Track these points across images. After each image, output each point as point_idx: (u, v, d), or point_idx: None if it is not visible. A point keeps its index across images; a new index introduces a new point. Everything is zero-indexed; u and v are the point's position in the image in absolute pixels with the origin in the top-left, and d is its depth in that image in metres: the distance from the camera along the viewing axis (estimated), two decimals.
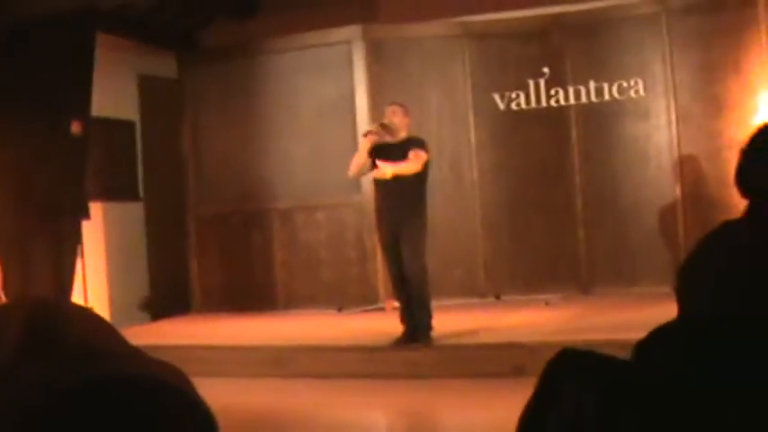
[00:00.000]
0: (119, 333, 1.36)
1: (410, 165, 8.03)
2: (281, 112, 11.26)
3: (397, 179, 8.06)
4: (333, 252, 11.07)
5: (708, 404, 1.65)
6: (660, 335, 1.92)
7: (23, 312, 1.31)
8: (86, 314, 1.39)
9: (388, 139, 8.33)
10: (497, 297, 10.71)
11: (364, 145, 8.31)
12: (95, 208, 10.65)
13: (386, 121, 8.39)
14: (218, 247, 11.62)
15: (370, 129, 8.62)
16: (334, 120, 10.95)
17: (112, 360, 1.27)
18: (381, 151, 8.26)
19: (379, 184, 8.29)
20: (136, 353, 1.31)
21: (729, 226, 2.21)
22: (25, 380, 1.20)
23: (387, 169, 8.03)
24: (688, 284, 2.03)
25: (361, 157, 8.33)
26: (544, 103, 10.76)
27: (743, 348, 1.75)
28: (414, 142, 8.25)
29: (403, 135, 8.30)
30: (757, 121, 9.00)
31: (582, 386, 1.77)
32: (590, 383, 1.76)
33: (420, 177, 8.18)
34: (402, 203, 8.09)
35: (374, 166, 8.26)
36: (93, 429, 1.14)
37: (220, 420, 1.21)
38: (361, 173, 8.69)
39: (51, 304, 1.37)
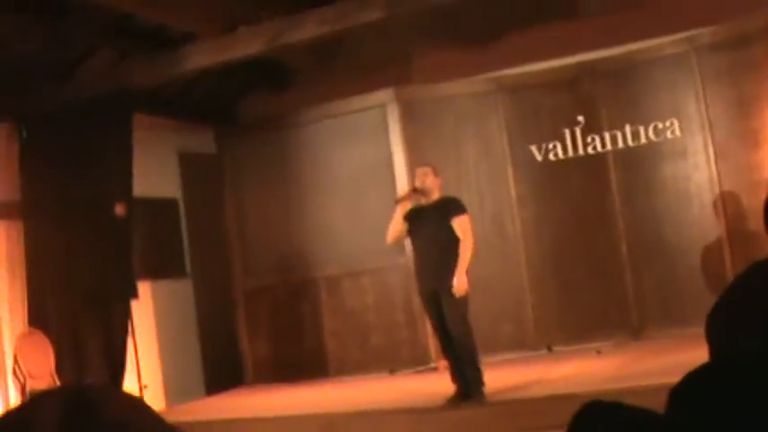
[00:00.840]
0: (153, 411, 1.40)
1: (466, 252, 8.06)
2: (320, 180, 11.33)
3: (435, 238, 8.11)
4: (381, 316, 11.07)
5: None
6: (692, 379, 1.89)
7: (61, 396, 1.36)
8: (121, 396, 1.44)
9: (422, 201, 8.34)
10: (549, 349, 10.62)
11: (398, 212, 8.34)
12: (143, 287, 10.72)
13: (417, 183, 8.40)
14: (266, 319, 11.63)
15: (403, 195, 8.66)
16: (373, 183, 10.99)
17: None
18: (417, 214, 8.29)
19: (418, 242, 8.32)
20: (160, 425, 1.34)
21: (758, 266, 2.21)
22: None
23: (463, 286, 8.04)
24: (716, 328, 2.02)
25: (396, 224, 8.33)
26: (581, 151, 10.74)
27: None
28: (450, 204, 8.27)
29: (436, 195, 8.28)
30: None
31: None
32: None
33: (456, 236, 8.19)
34: (441, 260, 8.06)
35: (409, 231, 8.32)
36: None
37: None
38: (398, 239, 8.69)
39: (87, 388, 1.41)
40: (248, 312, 11.71)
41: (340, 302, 11.26)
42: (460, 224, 8.14)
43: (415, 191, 8.42)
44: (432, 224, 8.16)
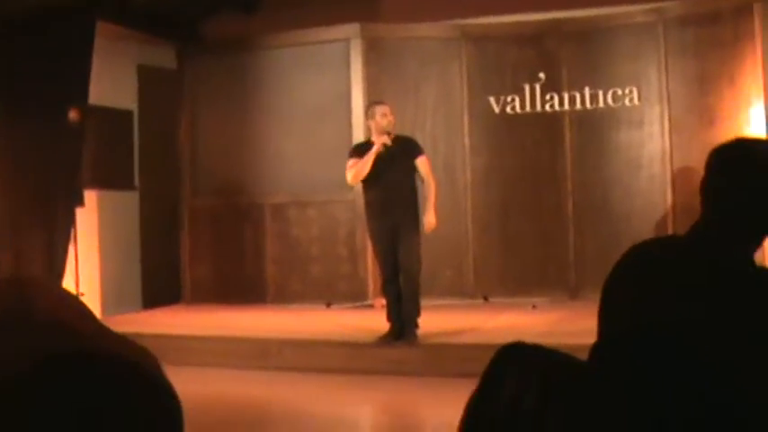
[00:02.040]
0: (91, 313, 1.38)
1: (434, 190, 8.30)
2: (278, 108, 11.25)
3: (398, 176, 8.13)
4: (323, 248, 11.08)
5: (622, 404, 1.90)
6: (608, 342, 2.11)
7: None
8: (57, 292, 1.41)
9: (386, 139, 8.30)
10: (485, 299, 10.72)
11: (371, 157, 8.22)
12: (90, 195, 10.68)
13: (383, 122, 8.31)
14: (210, 239, 11.61)
15: (384, 142, 8.37)
16: (330, 117, 10.95)
17: (80, 337, 1.28)
18: (379, 154, 8.25)
19: (374, 179, 8.27)
20: (106, 333, 1.32)
21: (646, 244, 2.47)
22: None
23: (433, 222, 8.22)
24: (607, 300, 2.32)
25: (367, 166, 8.24)
26: (539, 108, 10.78)
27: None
28: (411, 143, 8.33)
29: (391, 136, 8.28)
30: (750, 133, 9.05)
31: (523, 380, 1.85)
32: (532, 378, 1.85)
33: (415, 174, 8.24)
34: (402, 198, 8.15)
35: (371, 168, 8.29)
36: (55, 402, 1.15)
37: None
38: (359, 182, 8.65)
39: (20, 282, 1.38)
40: (192, 231, 11.68)
41: (284, 230, 11.25)
42: (423, 164, 8.27)
43: (387, 134, 8.29)
44: (394, 162, 8.16)
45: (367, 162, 8.19)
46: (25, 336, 1.27)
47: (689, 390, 2.00)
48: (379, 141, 8.17)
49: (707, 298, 2.21)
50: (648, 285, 2.30)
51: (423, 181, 8.29)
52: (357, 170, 8.25)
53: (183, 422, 1.25)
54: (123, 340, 1.32)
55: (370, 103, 8.90)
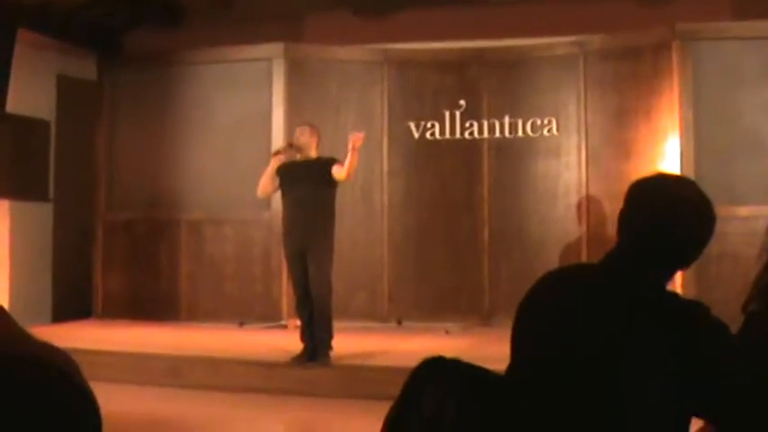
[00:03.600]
0: (6, 315, 1.36)
1: (351, 163, 8.04)
2: (197, 124, 11.22)
3: (307, 196, 8.13)
4: (238, 267, 11.03)
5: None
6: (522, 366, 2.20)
7: None
8: None
9: (297, 157, 8.38)
10: (399, 323, 10.75)
11: (272, 165, 8.33)
12: (2, 205, 10.61)
13: (294, 140, 8.42)
14: (123, 254, 11.50)
15: (278, 149, 8.67)
16: (249, 136, 10.91)
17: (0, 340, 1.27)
18: (290, 171, 8.34)
19: (289, 198, 8.32)
20: (22, 333, 1.31)
21: (560, 271, 2.67)
22: None
23: (342, 172, 8.09)
24: (519, 323, 2.51)
25: (268, 177, 8.35)
26: (458, 135, 10.86)
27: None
28: (325, 161, 8.30)
29: (312, 154, 8.35)
30: (664, 167, 9.19)
31: (443, 389, 1.90)
32: (452, 387, 1.90)
33: (331, 196, 8.27)
34: (312, 220, 8.14)
35: (281, 186, 8.31)
36: None
37: (112, 425, 1.21)
38: (268, 194, 8.76)
39: None
40: (106, 245, 11.57)
41: (199, 247, 11.20)
42: (336, 168, 8.19)
43: (290, 145, 8.46)
44: (305, 182, 8.21)
45: (266, 173, 8.34)
46: None
47: (598, 412, 2.07)
48: (278, 146, 8.33)
49: (620, 324, 2.26)
50: (563, 310, 2.36)
51: (341, 177, 8.20)
52: (261, 181, 8.39)
53: (102, 427, 1.25)
54: (44, 344, 1.31)
55: None
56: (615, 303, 2.34)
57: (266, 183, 8.39)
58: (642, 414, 2.14)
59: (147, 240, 11.40)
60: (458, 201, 10.89)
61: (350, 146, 8.05)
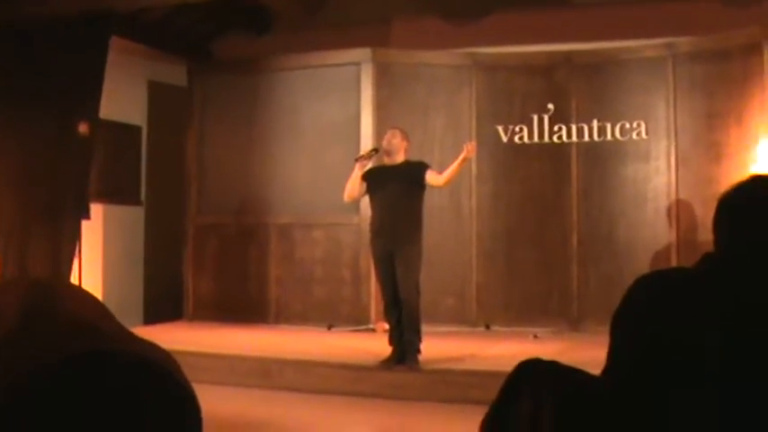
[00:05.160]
0: (110, 313, 1.41)
1: (455, 170, 8.17)
2: (286, 129, 11.30)
3: (396, 200, 8.15)
4: (327, 271, 11.10)
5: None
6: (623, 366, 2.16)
7: (21, 290, 1.36)
8: (80, 294, 1.44)
9: (385, 161, 8.39)
10: (487, 327, 10.72)
11: (356, 170, 8.35)
12: (96, 209, 10.74)
13: (384, 143, 8.44)
14: (214, 257, 11.64)
15: (362, 154, 8.70)
16: (338, 140, 10.97)
17: (101, 336, 1.31)
18: (378, 174, 8.36)
19: (378, 202, 8.35)
20: (125, 332, 1.35)
21: (657, 274, 2.55)
22: (18, 351, 1.25)
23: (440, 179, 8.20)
24: (617, 326, 2.43)
25: (353, 182, 8.35)
26: (547, 139, 10.80)
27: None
28: (415, 165, 8.31)
29: (401, 158, 8.33)
30: (755, 170, 9.05)
31: (542, 390, 1.90)
32: (551, 388, 1.90)
33: (419, 199, 8.26)
34: (401, 223, 8.14)
35: (369, 190, 8.33)
36: (78, 398, 1.18)
37: (205, 425, 1.25)
38: (354, 198, 8.74)
39: (47, 284, 1.42)
40: (196, 248, 11.70)
41: (288, 251, 11.28)
42: (432, 175, 8.23)
43: (375, 150, 8.52)
44: (394, 185, 8.20)
45: (351, 178, 8.34)
46: (51, 334, 1.30)
47: (701, 415, 2.04)
48: (363, 151, 8.35)
49: (724, 326, 2.23)
50: (665, 313, 2.33)
51: (439, 184, 8.32)
52: (347, 185, 8.39)
53: (201, 421, 1.28)
54: (144, 342, 1.35)
55: None
56: (721, 305, 2.32)
57: (352, 188, 8.40)
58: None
59: (237, 244, 11.52)
60: (546, 205, 10.84)
61: (462, 155, 8.11)
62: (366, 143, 10.58)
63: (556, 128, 10.78)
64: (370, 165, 8.46)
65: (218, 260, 11.62)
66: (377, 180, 8.30)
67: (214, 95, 11.74)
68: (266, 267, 11.37)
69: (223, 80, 11.70)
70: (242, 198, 11.51)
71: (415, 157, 8.56)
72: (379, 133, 10.27)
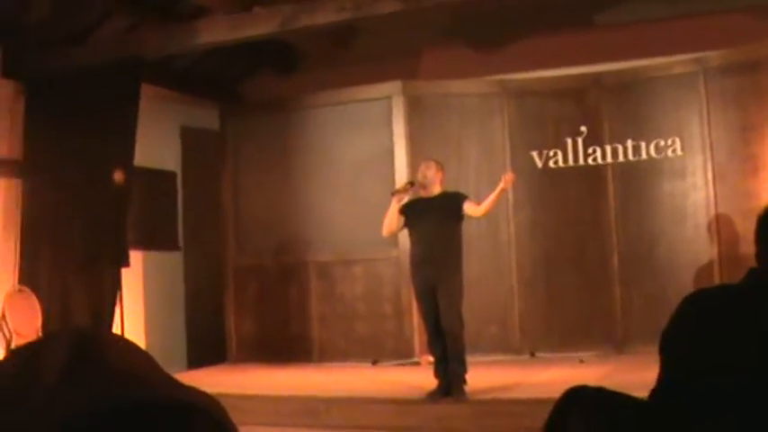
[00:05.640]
0: (155, 361, 1.42)
1: (494, 200, 8.23)
2: (320, 166, 11.34)
3: (435, 231, 8.15)
4: (369, 306, 11.10)
5: None
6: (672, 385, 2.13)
7: (68, 339, 1.37)
8: (125, 343, 1.45)
9: (422, 194, 8.39)
10: (532, 354, 10.68)
11: (393, 204, 8.36)
12: (135, 256, 10.75)
13: (419, 176, 8.45)
14: (254, 299, 11.64)
15: (398, 188, 8.70)
16: (372, 174, 10.98)
17: (149, 385, 1.32)
18: (416, 207, 8.35)
19: (417, 235, 8.35)
20: (172, 380, 1.36)
21: (703, 292, 2.49)
22: (68, 402, 1.25)
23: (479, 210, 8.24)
24: (666, 347, 2.38)
25: (392, 217, 8.36)
26: (582, 162, 10.79)
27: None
28: (452, 196, 8.32)
29: (437, 190, 8.34)
30: None
31: (590, 416, 1.88)
32: (598, 415, 1.89)
33: (458, 230, 8.25)
34: (441, 255, 8.12)
35: (407, 223, 8.34)
36: None
37: None
38: (393, 232, 8.74)
39: (93, 333, 1.42)
40: (237, 290, 11.72)
41: (329, 289, 11.29)
42: (470, 206, 8.25)
43: (411, 184, 8.50)
44: (432, 218, 8.20)
45: (389, 213, 8.34)
46: (97, 385, 1.30)
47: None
48: (399, 185, 8.34)
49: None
50: (714, 331, 2.31)
51: (478, 214, 8.36)
52: (385, 221, 8.38)
53: None
54: (193, 390, 1.35)
55: None
56: None
57: (390, 222, 8.40)
58: None
59: (277, 284, 11.53)
60: (584, 227, 10.82)
61: (500, 186, 8.17)
62: (401, 176, 10.59)
63: (590, 150, 10.77)
64: (406, 198, 8.45)
65: (259, 301, 11.63)
66: (415, 213, 8.31)
67: (247, 137, 11.78)
68: (308, 306, 11.38)
69: (255, 121, 11.76)
70: (280, 238, 11.53)
71: (450, 188, 8.55)
72: (413, 166, 10.27)
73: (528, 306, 10.92)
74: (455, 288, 8.12)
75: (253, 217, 11.71)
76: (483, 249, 10.75)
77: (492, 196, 8.18)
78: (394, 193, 8.51)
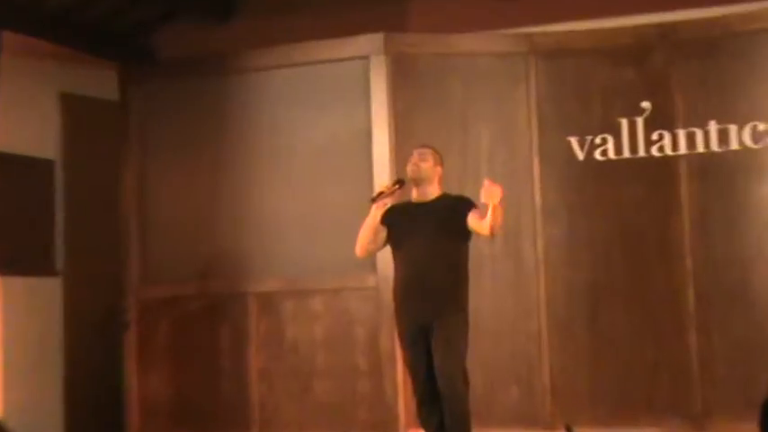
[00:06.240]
0: None
1: (494, 218, 7.98)
2: (265, 154, 11.34)
3: (432, 250, 8.12)
4: (333, 356, 11.01)
5: None
6: None
7: None
8: None
9: (413, 196, 8.43)
10: (569, 430, 10.54)
11: (374, 214, 8.33)
12: None
13: (409, 170, 8.41)
14: (167, 345, 11.59)
15: (381, 191, 8.64)
16: (341, 166, 10.99)
17: None
18: (403, 216, 8.38)
19: (405, 256, 8.33)
20: None
21: None
22: None
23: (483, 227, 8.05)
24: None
25: (369, 229, 8.34)
26: (642, 152, 10.76)
27: None
28: (456, 201, 8.35)
29: (434, 192, 8.38)
30: None
31: None
32: None
33: (463, 250, 8.32)
34: (438, 285, 8.13)
35: (390, 238, 8.33)
36: None
37: None
38: (371, 251, 8.75)
39: None
40: (142, 333, 11.64)
41: (276, 332, 11.21)
42: (475, 216, 8.20)
43: (400, 184, 8.46)
44: (427, 230, 8.23)
45: (366, 224, 8.37)
46: None
47: None
48: (382, 186, 8.53)
49: None
50: None
51: (485, 233, 8.21)
52: (359, 235, 8.43)
53: None
54: None
55: None
56: None
57: (367, 237, 8.42)
58: None
59: (201, 324, 11.46)
60: (646, 246, 10.75)
61: (483, 201, 7.99)
62: (382, 170, 10.65)
63: (655, 136, 10.75)
64: (391, 203, 8.38)
65: (173, 349, 11.57)
66: (402, 224, 8.32)
67: (158, 111, 11.77)
68: (244, 356, 11.30)
69: (171, 89, 11.74)
70: (206, 257, 11.50)
71: (453, 189, 8.64)
72: (399, 155, 10.29)
73: (563, 359, 10.85)
74: (457, 332, 8.17)
75: (166, 226, 11.68)
76: (499, 276, 10.78)
77: (488, 216, 8.02)
78: (375, 198, 8.46)
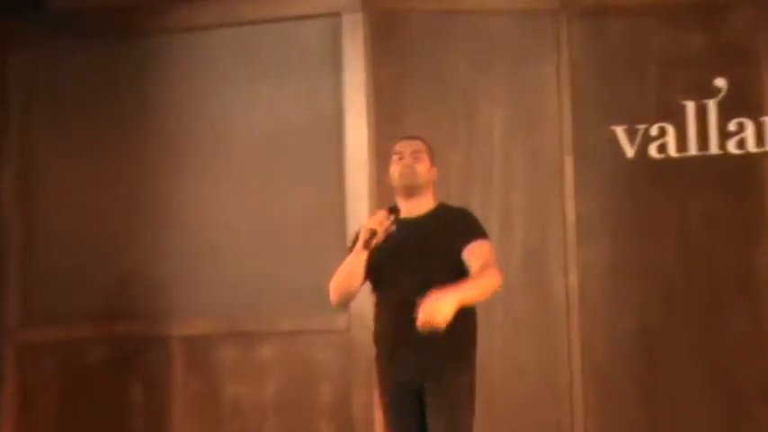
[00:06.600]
0: None
1: (483, 283, 7.32)
2: (197, 147, 11.10)
3: (425, 282, 7.26)
4: (290, 424, 10.66)
5: None
6: None
7: None
8: None
9: (401, 206, 7.75)
10: None
11: (358, 254, 7.57)
12: None
13: (397, 174, 7.72)
14: (58, 409, 11.24)
15: (371, 227, 7.77)
16: (300, 162, 10.70)
17: None
18: (387, 238, 7.59)
19: (389, 292, 7.65)
20: None
21: None
22: None
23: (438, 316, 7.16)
24: None
25: (351, 271, 7.59)
26: (715, 147, 10.47)
27: None
28: (457, 221, 7.69)
29: (428, 201, 7.73)
30: None
31: None
32: None
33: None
34: (432, 336, 7.28)
35: (370, 271, 7.66)
36: None
37: None
38: (352, 295, 7.92)
39: None
40: (23, 390, 11.31)
41: (210, 390, 10.95)
42: (480, 253, 7.47)
43: (396, 214, 7.59)
44: (418, 255, 7.55)
45: (347, 264, 7.65)
46: None
47: None
48: (373, 221, 7.59)
49: None
50: None
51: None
52: (336, 277, 7.72)
53: None
54: None
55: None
56: None
57: (348, 280, 7.65)
58: None
59: (104, 379, 11.20)
60: (720, 277, 10.41)
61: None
62: (356, 165, 10.53)
63: (732, 125, 10.39)
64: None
65: (64, 412, 11.29)
66: (385, 250, 7.59)
67: (49, 85, 11.49)
68: (165, 423, 10.93)
69: (67, 53, 11.50)
70: (112, 289, 11.02)
71: (454, 194, 8.52)
72: (380, 148, 9.98)
73: (603, 422, 10.55)
74: (462, 396, 7.56)
75: (58, 246, 11.32)
76: (519, 314, 10.53)
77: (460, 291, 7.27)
78: (367, 240, 7.62)
